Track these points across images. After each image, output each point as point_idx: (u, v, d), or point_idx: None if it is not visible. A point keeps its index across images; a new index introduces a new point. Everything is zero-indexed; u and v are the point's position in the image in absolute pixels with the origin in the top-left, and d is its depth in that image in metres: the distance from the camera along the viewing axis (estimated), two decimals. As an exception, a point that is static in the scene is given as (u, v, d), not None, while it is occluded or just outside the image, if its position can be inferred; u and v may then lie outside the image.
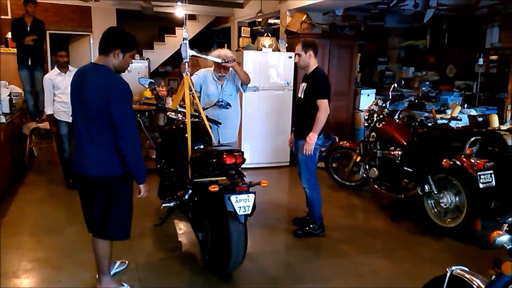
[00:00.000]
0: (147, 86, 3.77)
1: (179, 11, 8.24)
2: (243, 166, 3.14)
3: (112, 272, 3.05)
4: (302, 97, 3.87)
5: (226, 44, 7.47)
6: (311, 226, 3.97)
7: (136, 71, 7.28)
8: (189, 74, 3.39)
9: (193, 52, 3.41)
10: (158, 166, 4.20)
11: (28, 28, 6.30)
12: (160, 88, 5.94)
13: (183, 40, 3.30)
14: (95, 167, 2.59)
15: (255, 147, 6.20)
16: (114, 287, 2.88)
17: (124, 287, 2.91)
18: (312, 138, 3.67)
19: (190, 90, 3.45)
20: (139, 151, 2.67)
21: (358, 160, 5.12)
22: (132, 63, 2.87)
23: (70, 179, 5.00)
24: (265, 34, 6.40)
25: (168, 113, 4.12)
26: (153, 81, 3.89)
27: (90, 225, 2.78)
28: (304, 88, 3.84)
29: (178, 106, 3.90)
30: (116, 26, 2.93)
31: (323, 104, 3.65)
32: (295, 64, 3.97)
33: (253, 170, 5.94)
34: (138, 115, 4.68)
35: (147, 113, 5.65)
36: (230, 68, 4.17)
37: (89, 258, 3.02)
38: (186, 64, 3.33)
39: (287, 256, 3.62)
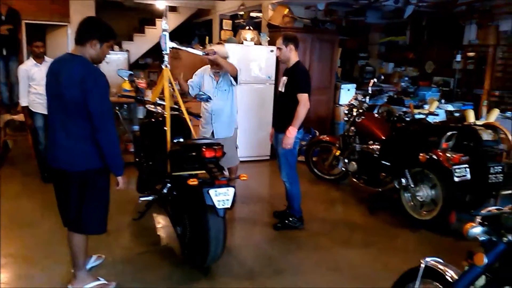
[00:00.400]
0: (126, 78, 3.70)
1: (160, 2, 8.13)
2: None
3: (88, 267, 3.01)
4: (282, 91, 3.87)
5: (207, 37, 7.43)
6: (290, 219, 3.98)
7: (115, 63, 7.15)
8: (168, 66, 3.34)
9: (173, 44, 3.37)
10: (137, 159, 4.15)
11: (3, 18, 6.12)
12: (140, 81, 5.82)
13: (163, 32, 3.25)
14: (70, 160, 2.54)
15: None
16: (90, 281, 2.83)
17: (100, 282, 2.87)
18: (292, 132, 3.68)
19: (170, 83, 3.41)
20: (116, 143, 2.63)
21: (337, 154, 5.16)
22: (109, 54, 2.81)
23: (45, 172, 4.89)
24: (247, 28, 6.37)
25: (147, 106, 4.06)
26: (132, 73, 3.82)
27: (65, 219, 2.73)
28: (285, 82, 3.84)
29: (157, 99, 3.85)
30: (94, 16, 2.85)
31: (303, 98, 3.65)
32: (277, 58, 3.96)
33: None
34: (117, 108, 4.60)
35: (126, 105, 5.56)
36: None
37: (65, 252, 2.96)
38: (166, 56, 3.28)
39: (266, 249, 3.63)
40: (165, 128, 3.34)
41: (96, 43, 2.53)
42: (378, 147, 4.51)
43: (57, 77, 2.51)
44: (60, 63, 2.56)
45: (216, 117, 4.29)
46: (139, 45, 9.91)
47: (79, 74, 2.45)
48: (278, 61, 5.92)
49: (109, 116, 2.56)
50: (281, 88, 3.90)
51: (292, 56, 3.80)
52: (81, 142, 2.53)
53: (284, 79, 3.88)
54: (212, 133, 4.33)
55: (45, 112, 4.38)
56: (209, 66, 4.30)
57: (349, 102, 5.20)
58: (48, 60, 4.67)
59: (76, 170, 2.56)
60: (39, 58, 4.84)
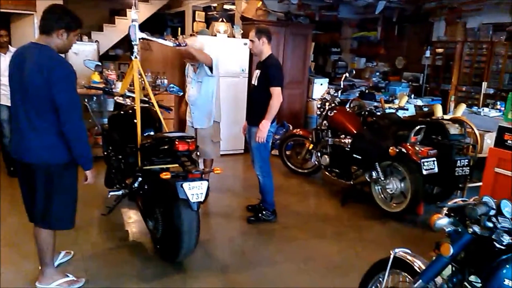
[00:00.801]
0: (93, 69, 3.59)
1: (131, -8, 7.93)
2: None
3: (56, 263, 2.93)
4: (255, 84, 3.85)
5: (179, 29, 7.31)
6: (264, 212, 4.00)
7: (84, 54, 6.92)
8: (138, 57, 3.27)
9: (142, 35, 3.29)
10: (105, 153, 4.05)
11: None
12: (109, 72, 5.70)
13: (132, 22, 3.17)
14: (36, 153, 2.46)
15: (209, 134, 6.14)
16: (58, 278, 2.76)
17: (69, 278, 2.79)
18: (265, 126, 3.67)
19: (140, 74, 3.33)
20: (84, 135, 2.55)
21: (310, 148, 5.20)
22: (76, 43, 2.72)
23: (11, 167, 4.72)
24: (220, 20, 6.31)
25: (115, 98, 3.96)
26: (99, 63, 3.71)
27: (31, 215, 2.65)
28: (258, 75, 3.82)
29: (126, 91, 3.76)
30: (59, 4, 2.74)
31: (276, 92, 3.65)
32: (250, 50, 3.94)
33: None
34: (86, 100, 4.47)
35: (95, 97, 5.41)
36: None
37: (32, 248, 2.87)
38: (135, 47, 3.21)
39: (239, 243, 3.63)
40: (135, 120, 3.27)
41: (63, 33, 2.45)
42: (350, 141, 4.57)
43: (21, 67, 2.41)
44: (24, 53, 2.45)
45: (194, 107, 4.31)
46: (110, 36, 9.64)
47: (45, 65, 2.36)
48: (252, 54, 5.89)
49: (76, 108, 2.48)
50: (254, 82, 3.88)
51: (265, 49, 3.79)
52: (46, 135, 2.45)
53: (257, 72, 3.86)
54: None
55: (10, 104, 4.23)
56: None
57: (322, 96, 5.24)
58: (12, 50, 4.48)
59: (42, 163, 2.47)
60: (2, 47, 4.67)
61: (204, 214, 4.05)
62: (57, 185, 2.53)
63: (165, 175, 2.78)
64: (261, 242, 3.65)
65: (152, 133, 3.44)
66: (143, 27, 7.44)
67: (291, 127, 6.40)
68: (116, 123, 3.78)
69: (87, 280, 2.86)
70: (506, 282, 1.60)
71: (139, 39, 3.23)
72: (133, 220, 3.90)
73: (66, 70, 2.43)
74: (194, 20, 6.72)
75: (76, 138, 2.48)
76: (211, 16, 8.82)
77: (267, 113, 3.65)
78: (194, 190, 2.76)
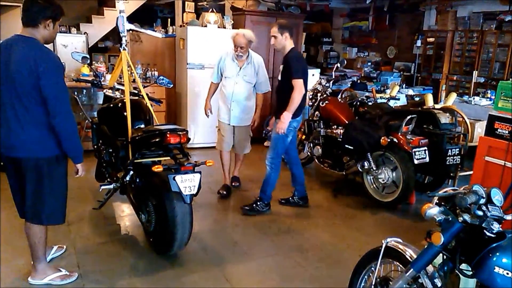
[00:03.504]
0: (80, 61, 3.55)
1: (119, -17, 7.80)
2: (188, 146, 3.07)
3: (48, 258, 2.91)
4: (279, 78, 3.87)
5: (169, 19, 7.24)
6: (259, 203, 4.01)
7: (73, 46, 6.84)
8: (127, 49, 3.23)
9: (131, 26, 3.26)
10: (95, 146, 4.01)
11: None
12: (99, 65, 5.64)
13: (120, 13, 3.13)
14: (24, 148, 2.42)
15: (201, 126, 6.11)
16: (51, 273, 2.74)
17: (61, 273, 2.77)
18: (286, 117, 3.66)
19: (129, 66, 3.29)
20: (74, 128, 2.52)
21: (303, 138, 5.20)
22: (59, 32, 2.68)
23: (0, 162, 4.65)
24: (210, 10, 6.24)
25: (104, 91, 3.92)
26: (86, 55, 3.65)
27: (21, 210, 2.62)
28: (281, 70, 3.83)
29: (115, 83, 3.71)
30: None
31: (298, 84, 3.64)
32: (273, 46, 3.91)
33: (199, 150, 5.87)
34: (75, 93, 4.42)
35: (84, 90, 5.35)
36: (250, 51, 4.18)
37: (23, 244, 2.84)
38: (124, 38, 3.17)
39: (232, 235, 3.64)
40: (124, 113, 3.23)
41: (50, 23, 2.41)
42: (342, 131, 4.58)
43: (7, 60, 2.36)
44: (10, 46, 2.40)
45: (235, 104, 4.27)
46: (98, 28, 9.50)
47: (31, 57, 2.32)
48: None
49: (65, 100, 2.44)
50: (279, 76, 3.89)
51: (288, 44, 3.77)
52: (35, 128, 2.41)
53: (281, 67, 3.87)
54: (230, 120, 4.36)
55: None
56: (232, 49, 4.19)
57: (313, 87, 5.23)
58: (-1, 43, 4.41)
59: (30, 157, 2.44)
60: (-11, 40, 4.57)
61: (196, 206, 4.04)
62: (47, 180, 2.51)
63: (157, 168, 2.76)
64: (254, 234, 3.66)
65: (142, 126, 3.42)
66: (132, 18, 7.37)
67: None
68: (106, 116, 3.74)
69: (80, 274, 2.85)
70: (496, 269, 1.61)
71: (128, 30, 3.19)
72: (125, 214, 3.89)
73: (53, 61, 2.40)
74: (184, 10, 6.63)
75: (65, 131, 2.45)
76: (201, 6, 8.71)
77: (289, 105, 3.65)
78: (187, 183, 2.75)
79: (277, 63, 6.51)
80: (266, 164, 3.96)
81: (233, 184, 4.59)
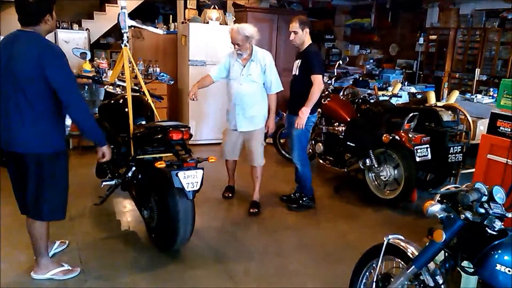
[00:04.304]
0: (79, 57, 3.56)
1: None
2: (190, 142, 3.07)
3: (51, 253, 2.92)
4: (297, 74, 3.88)
5: (171, 16, 7.23)
6: (304, 199, 4.07)
7: (75, 42, 6.83)
8: (128, 45, 3.23)
9: (132, 23, 3.25)
10: (96, 143, 4.01)
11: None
12: (100, 61, 5.64)
13: (121, 9, 3.14)
14: (26, 143, 2.43)
15: (203, 123, 6.12)
16: (54, 268, 2.75)
17: (64, 268, 2.79)
18: (305, 113, 3.69)
19: (130, 62, 3.30)
20: (89, 114, 2.60)
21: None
22: (60, 28, 2.71)
23: (2, 157, 4.66)
24: (212, 7, 6.23)
25: (106, 87, 3.92)
26: (86, 51, 3.64)
27: (22, 206, 2.63)
28: (298, 65, 3.84)
29: (116, 80, 3.71)
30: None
31: (317, 80, 3.67)
32: (291, 42, 3.88)
33: (201, 147, 5.87)
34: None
35: (86, 87, 5.36)
36: (254, 47, 3.76)
37: (26, 239, 2.85)
38: (125, 35, 3.17)
39: (234, 232, 3.64)
40: (126, 110, 3.24)
41: (49, 17, 2.43)
42: (344, 128, 4.57)
43: (9, 55, 2.37)
44: (13, 41, 2.41)
45: (239, 107, 3.83)
46: (100, 24, 9.50)
47: (36, 50, 2.33)
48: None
49: (74, 87, 2.49)
50: (295, 72, 3.90)
51: (306, 39, 3.80)
52: (37, 124, 2.42)
53: (297, 62, 3.89)
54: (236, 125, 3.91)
55: None
56: (233, 49, 3.82)
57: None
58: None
59: (32, 153, 2.45)
60: (-9, 36, 4.57)
61: (200, 203, 4.05)
62: (48, 175, 2.51)
63: (160, 164, 2.77)
64: (256, 231, 3.67)
65: (143, 122, 3.42)
66: (134, 14, 7.35)
67: (285, 115, 6.38)
68: (107, 113, 3.74)
69: (82, 269, 2.86)
70: (498, 267, 1.61)
71: (129, 27, 3.19)
72: (127, 210, 3.90)
73: (58, 51, 2.42)
74: (185, 7, 6.62)
75: (82, 118, 2.52)
76: (203, 3, 8.70)
77: (308, 100, 3.68)
78: (189, 179, 2.76)
79: (280, 59, 6.51)
80: (295, 163, 3.98)
81: (251, 210, 3.94)
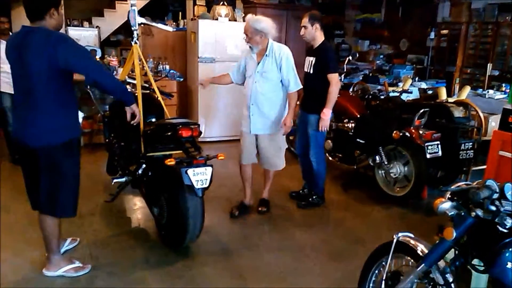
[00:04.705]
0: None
1: (130, -24, 7.82)
2: (200, 139, 3.08)
3: (62, 250, 2.96)
4: (310, 71, 3.83)
5: (180, 13, 7.24)
6: (314, 197, 4.07)
7: (86, 40, 6.90)
8: (138, 42, 3.25)
9: (142, 20, 3.27)
10: (107, 140, 4.05)
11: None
12: (111, 58, 5.68)
13: (131, 7, 3.15)
14: (38, 136, 2.48)
15: (212, 120, 6.13)
16: (65, 265, 2.79)
17: (75, 265, 2.82)
18: (327, 114, 3.67)
19: (140, 60, 3.31)
20: (112, 75, 2.80)
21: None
22: (71, 26, 2.79)
23: (15, 154, 4.74)
24: (221, 3, 6.23)
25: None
26: (95, 48, 3.67)
27: (34, 202, 2.67)
28: (313, 62, 3.79)
29: (126, 77, 3.74)
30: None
31: (335, 78, 3.65)
32: (302, 37, 3.85)
33: (210, 144, 5.89)
34: (88, 87, 4.46)
35: (97, 84, 5.39)
36: (270, 41, 3.49)
37: (38, 236, 2.89)
38: (135, 32, 3.18)
39: (243, 228, 3.65)
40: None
41: (54, 11, 2.45)
42: (353, 125, 4.55)
43: (21, 50, 2.41)
44: (23, 36, 2.43)
45: (254, 107, 3.57)
46: (110, 21, 9.56)
47: (47, 43, 2.36)
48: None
49: (89, 60, 2.56)
50: (308, 69, 3.86)
51: (318, 35, 3.74)
52: (48, 116, 2.47)
53: (311, 59, 3.82)
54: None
55: (13, 92, 4.23)
56: (247, 47, 3.59)
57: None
58: (13, 37, 4.47)
59: (43, 146, 2.49)
60: (4, 34, 4.64)
61: (208, 200, 4.06)
62: (60, 168, 2.55)
63: (170, 162, 2.78)
64: (265, 228, 3.67)
65: (153, 119, 3.44)
66: (144, 12, 7.38)
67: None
68: (118, 110, 3.77)
69: (93, 266, 2.89)
70: (509, 265, 1.60)
71: (139, 24, 3.21)
72: (137, 207, 3.93)
73: (67, 39, 2.50)
74: (195, 3, 6.63)
75: (106, 80, 2.62)
76: None
77: (327, 101, 3.64)
78: (199, 176, 2.77)
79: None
80: (312, 161, 3.96)
81: (260, 209, 3.88)
